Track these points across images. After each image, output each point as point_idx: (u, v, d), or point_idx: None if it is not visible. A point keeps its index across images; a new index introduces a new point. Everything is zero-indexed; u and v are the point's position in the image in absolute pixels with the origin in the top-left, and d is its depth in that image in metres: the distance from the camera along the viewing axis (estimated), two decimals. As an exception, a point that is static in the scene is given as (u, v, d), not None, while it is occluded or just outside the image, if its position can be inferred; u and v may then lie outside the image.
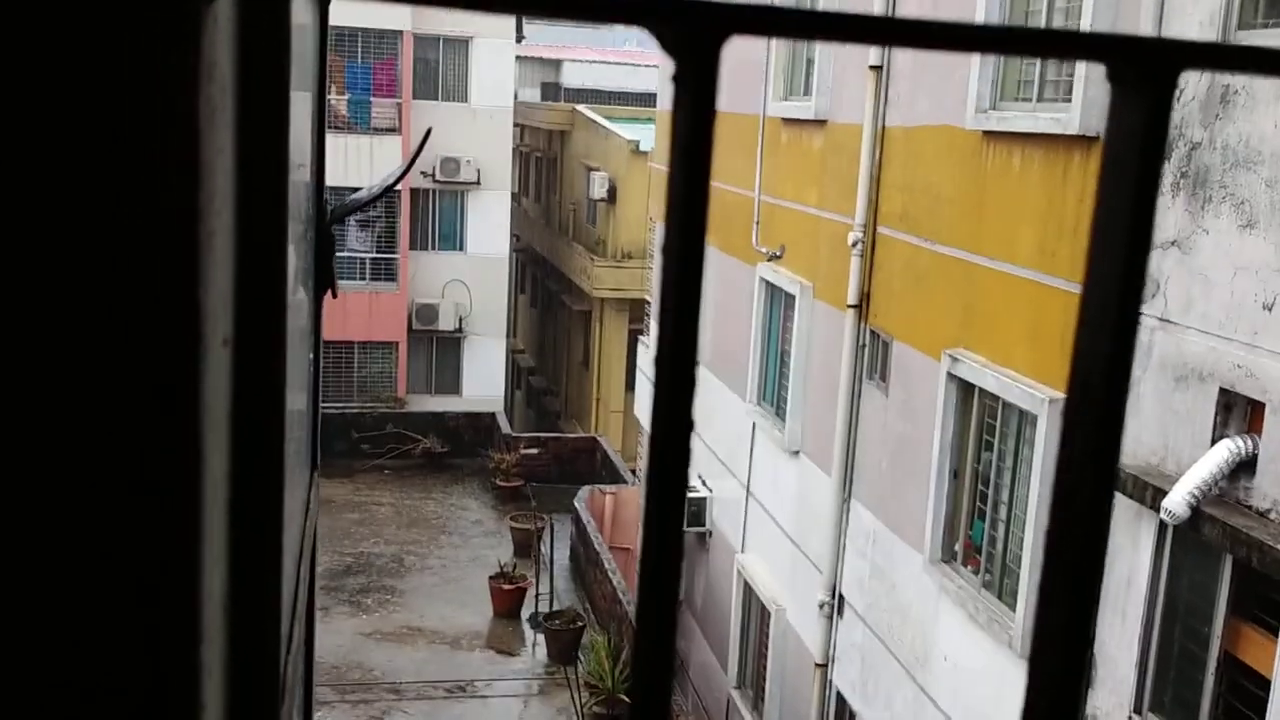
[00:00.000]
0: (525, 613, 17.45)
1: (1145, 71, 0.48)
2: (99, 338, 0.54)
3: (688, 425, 0.47)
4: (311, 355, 1.85)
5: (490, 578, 17.67)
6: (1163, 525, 6.42)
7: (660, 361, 0.46)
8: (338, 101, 24.96)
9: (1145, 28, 6.71)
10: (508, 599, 17.39)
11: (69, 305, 0.53)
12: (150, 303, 0.54)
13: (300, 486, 1.60)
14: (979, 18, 8.46)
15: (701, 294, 0.47)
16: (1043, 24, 8.06)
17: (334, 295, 1.88)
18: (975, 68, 8.54)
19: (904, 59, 9.91)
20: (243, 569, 0.87)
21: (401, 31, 25.25)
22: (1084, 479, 0.53)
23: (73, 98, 0.50)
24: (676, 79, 0.45)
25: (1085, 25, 7.26)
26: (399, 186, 24.85)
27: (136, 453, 0.56)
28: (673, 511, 0.48)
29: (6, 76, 0.49)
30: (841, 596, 10.92)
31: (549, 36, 43.29)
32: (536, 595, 17.42)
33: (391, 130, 25.27)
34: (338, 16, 27.11)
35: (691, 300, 0.47)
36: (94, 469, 0.56)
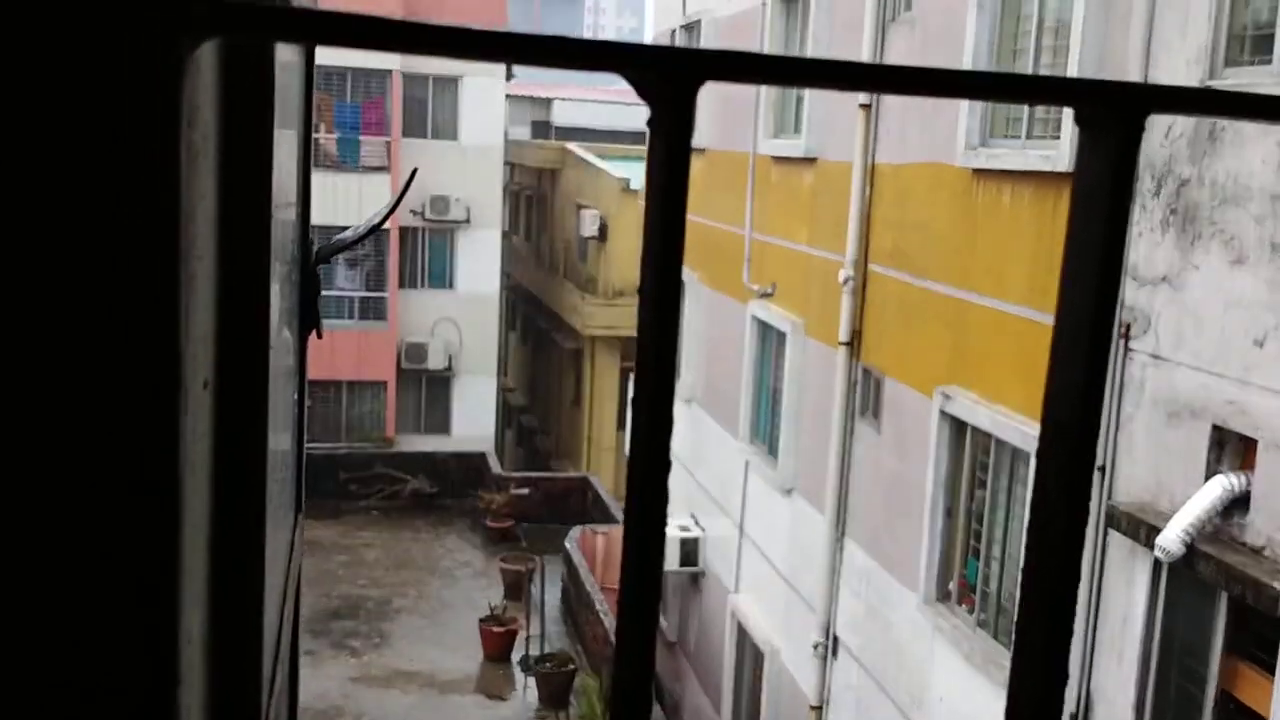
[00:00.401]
0: (516, 656, 17.30)
1: (1112, 115, 0.48)
2: (75, 381, 0.54)
3: (665, 464, 0.47)
4: (296, 396, 1.84)
5: (480, 620, 17.53)
6: (1157, 563, 6.40)
7: (638, 404, 0.46)
8: (326, 140, 25.06)
9: (1133, 65, 6.78)
10: (498, 642, 17.24)
11: (45, 349, 0.53)
12: (128, 347, 0.54)
13: (284, 528, 1.59)
14: (967, 54, 8.55)
15: (678, 333, 0.47)
16: (1030, 61, 8.15)
17: (319, 336, 1.87)
18: (964, 105, 8.62)
19: (893, 97, 10.00)
20: (224, 611, 0.86)
21: (391, 71, 25.40)
22: (1058, 510, 0.53)
23: (54, 144, 0.51)
24: (651, 124, 0.45)
25: (1073, 62, 7.33)
26: (387, 225, 24.91)
27: (114, 494, 0.56)
28: (652, 550, 0.48)
29: None
30: (836, 637, 10.86)
31: (539, 75, 43.60)
32: (527, 638, 17.28)
33: (381, 169, 25.36)
34: (327, 56, 27.32)
35: (668, 340, 0.47)
36: (70, 509, 0.56)
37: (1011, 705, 0.52)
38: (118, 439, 0.55)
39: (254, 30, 0.52)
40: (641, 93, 0.45)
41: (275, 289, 1.46)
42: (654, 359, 0.46)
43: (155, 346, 0.54)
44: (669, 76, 0.44)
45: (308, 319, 1.81)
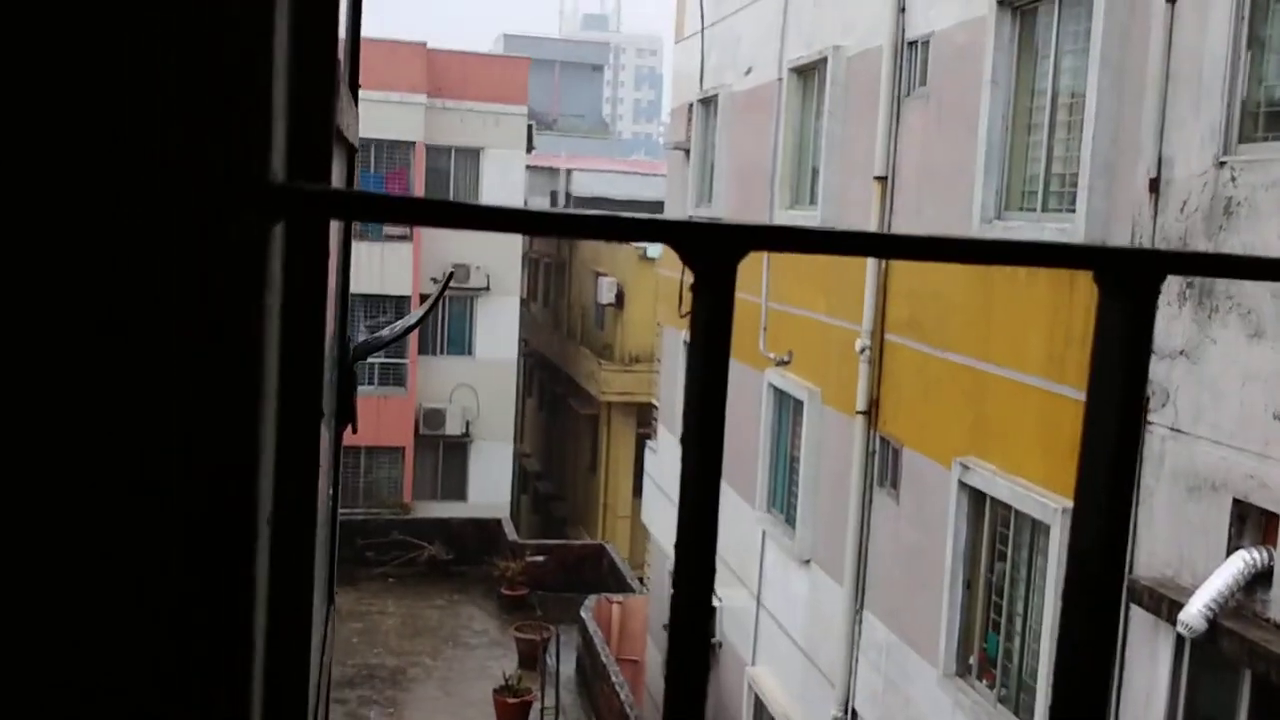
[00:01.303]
0: (531, 725, 17.11)
1: (1128, 279, 0.51)
2: (166, 526, 0.56)
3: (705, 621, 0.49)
4: (331, 490, 1.87)
5: (494, 690, 17.36)
6: (1180, 639, 6.33)
7: (678, 567, 0.48)
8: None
9: (1146, 141, 6.84)
10: (512, 713, 17.06)
11: (143, 496, 0.56)
12: (212, 487, 0.57)
13: (318, 623, 1.61)
14: (982, 129, 8.64)
15: (720, 481, 0.50)
16: (1045, 136, 8.22)
17: (354, 431, 1.91)
18: (980, 177, 8.70)
19: (909, 169, 10.09)
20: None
21: (414, 142, 25.78)
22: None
23: (161, 317, 0.55)
24: (696, 288, 0.48)
25: (1087, 137, 7.40)
26: (408, 292, 25.12)
27: (191, 639, 0.58)
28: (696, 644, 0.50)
29: (106, 287, 0.53)
30: (854, 711, 10.71)
31: (559, 147, 44.16)
32: (542, 709, 17.09)
33: (403, 238, 25.64)
34: (353, 128, 27.39)
35: (712, 484, 0.49)
36: (159, 649, 0.58)
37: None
38: (200, 580, 0.58)
39: (331, 212, 0.56)
40: (687, 262, 0.48)
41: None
42: (695, 514, 0.48)
43: (235, 484, 0.57)
44: (713, 248, 0.47)
45: (344, 415, 1.85)
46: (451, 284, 26.39)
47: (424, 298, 26.26)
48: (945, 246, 0.48)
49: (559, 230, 0.47)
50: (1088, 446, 0.54)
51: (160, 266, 0.51)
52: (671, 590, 0.49)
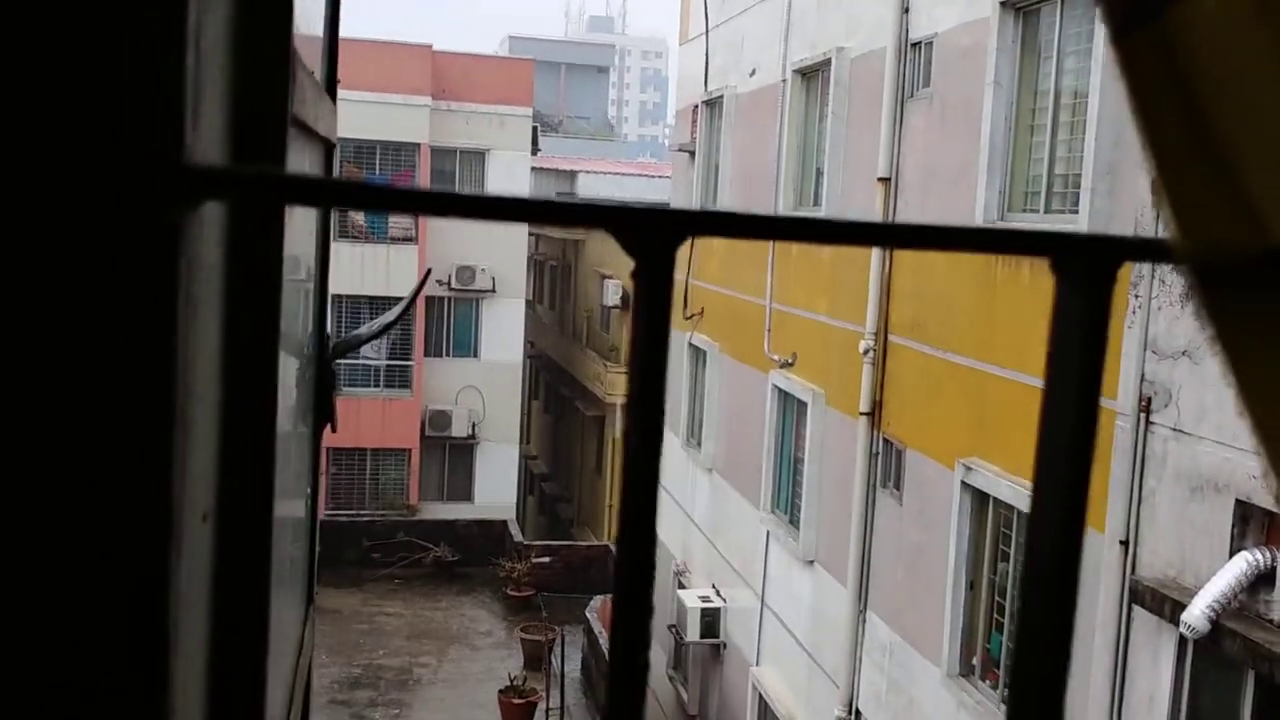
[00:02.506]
0: (536, 727, 17.11)
1: (1085, 265, 0.51)
2: (66, 524, 0.54)
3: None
4: (309, 490, 1.87)
5: (500, 691, 17.37)
6: (1183, 640, 6.31)
7: (619, 545, 0.48)
8: (356, 212, 25.43)
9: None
10: (518, 714, 17.06)
11: (33, 499, 0.54)
12: (119, 492, 0.54)
13: (293, 625, 1.60)
14: (985, 129, 8.62)
15: (659, 475, 0.49)
16: (1047, 136, 8.20)
17: (333, 430, 1.91)
18: (983, 177, 8.69)
19: (912, 170, 10.08)
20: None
21: (419, 144, 25.80)
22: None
23: (51, 303, 0.52)
24: (636, 276, 0.48)
25: (1090, 137, 7.39)
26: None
27: (103, 635, 0.55)
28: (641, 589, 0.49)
29: None
30: (858, 711, 10.70)
31: (565, 149, 44.18)
32: (547, 710, 17.09)
33: (408, 240, 25.66)
34: (356, 129, 27.53)
35: (650, 476, 0.49)
36: (61, 653, 0.55)
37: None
38: (109, 583, 0.55)
39: (249, 193, 0.55)
40: (628, 249, 0.48)
41: (293, 387, 1.49)
42: (635, 512, 0.48)
43: (146, 491, 0.55)
44: (651, 234, 0.47)
45: (323, 414, 1.85)
46: (459, 286, 26.40)
47: (430, 300, 26.29)
48: (891, 233, 0.48)
49: (487, 214, 0.46)
50: (1045, 439, 0.54)
51: (50, 250, 0.50)
52: (615, 565, 0.49)
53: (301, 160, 1.39)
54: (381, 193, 0.45)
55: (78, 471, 0.53)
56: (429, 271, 3.33)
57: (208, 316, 0.67)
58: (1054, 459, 0.53)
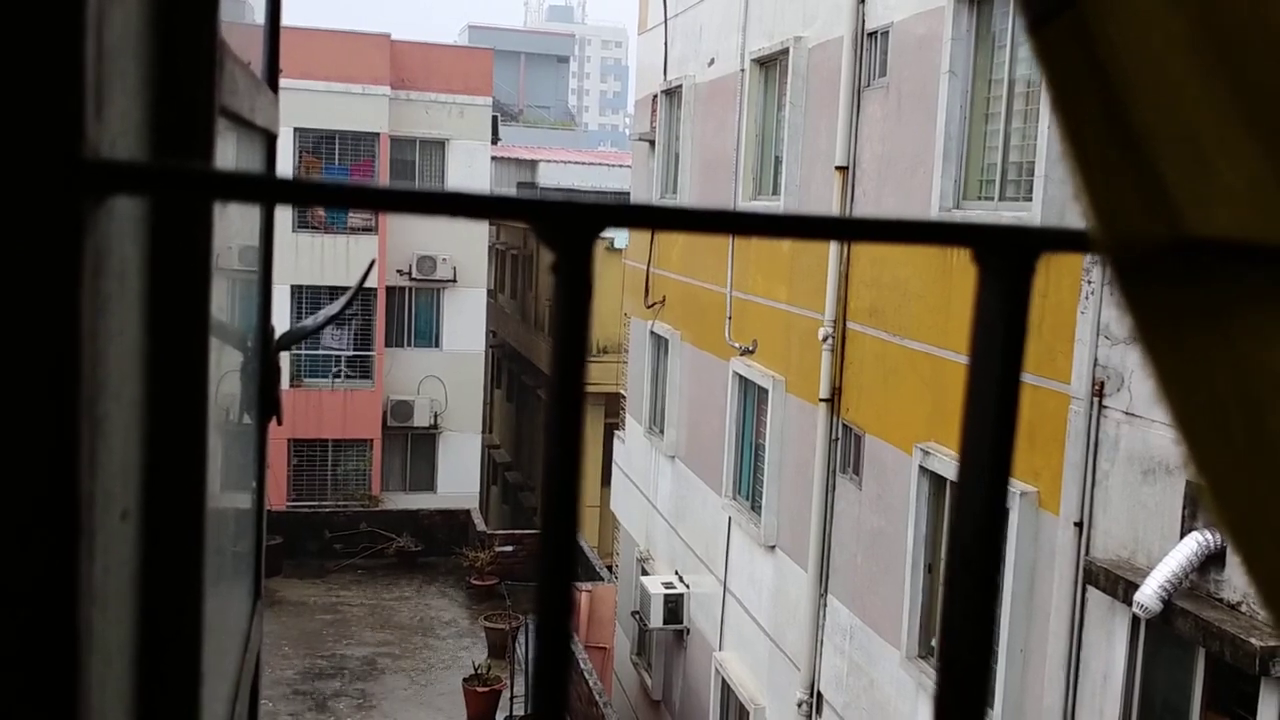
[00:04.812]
0: (500, 716, 17.12)
1: (1005, 256, 0.52)
2: None
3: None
4: (255, 483, 1.86)
5: (464, 680, 17.36)
6: (1136, 619, 6.42)
7: (543, 546, 0.49)
8: (313, 202, 25.22)
9: (1100, 130, 6.90)
10: (482, 702, 17.07)
11: None
12: (17, 490, 0.53)
13: (238, 618, 1.59)
14: (940, 118, 8.68)
15: (580, 466, 0.50)
16: (1002, 124, 8.28)
17: (279, 423, 1.90)
18: (939, 166, 8.75)
19: (870, 158, 10.13)
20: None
21: (379, 134, 25.62)
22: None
23: None
24: (555, 269, 0.49)
25: (1043, 128, 7.46)
26: (374, 284, 24.98)
27: (13, 634, 0.54)
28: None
29: None
30: (820, 694, 10.79)
31: (526, 138, 44.01)
32: (511, 697, 17.11)
33: (368, 230, 25.48)
34: (315, 119, 27.28)
35: (570, 472, 0.50)
36: None
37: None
38: (5, 581, 0.54)
39: (152, 189, 0.54)
40: (546, 242, 0.49)
41: (237, 379, 1.48)
42: (558, 498, 0.48)
43: (50, 495, 0.54)
44: (567, 226, 0.48)
45: (267, 407, 1.84)
46: (419, 276, 26.26)
47: (391, 290, 26.14)
48: (816, 225, 0.49)
49: (405, 207, 0.47)
50: (968, 428, 0.55)
51: None
52: (540, 545, 0.49)
53: (236, 153, 1.38)
54: (278, 185, 0.45)
55: None
56: (373, 263, 3.34)
57: (124, 312, 0.66)
58: (977, 450, 0.55)
